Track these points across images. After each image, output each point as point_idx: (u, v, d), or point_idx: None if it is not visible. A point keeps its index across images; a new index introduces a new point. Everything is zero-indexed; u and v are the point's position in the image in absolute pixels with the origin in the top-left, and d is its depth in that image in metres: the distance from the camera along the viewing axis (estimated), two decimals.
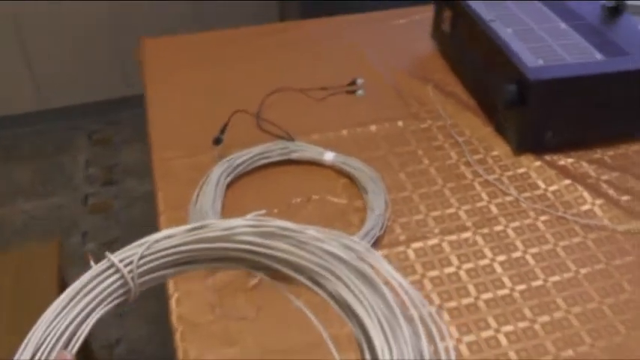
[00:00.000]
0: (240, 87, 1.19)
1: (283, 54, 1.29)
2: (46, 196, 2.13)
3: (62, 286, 1.30)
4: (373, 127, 1.08)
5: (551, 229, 0.88)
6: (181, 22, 2.32)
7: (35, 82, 2.32)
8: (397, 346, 0.45)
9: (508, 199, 0.93)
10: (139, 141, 2.31)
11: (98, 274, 0.47)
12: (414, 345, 0.46)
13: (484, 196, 0.94)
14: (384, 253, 0.85)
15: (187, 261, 0.50)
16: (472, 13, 1.11)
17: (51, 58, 2.30)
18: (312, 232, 0.49)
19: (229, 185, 0.96)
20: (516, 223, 0.89)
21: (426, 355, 0.44)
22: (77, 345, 0.45)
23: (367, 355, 0.45)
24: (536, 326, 0.76)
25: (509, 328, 0.75)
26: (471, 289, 0.80)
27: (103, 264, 0.47)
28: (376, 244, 0.85)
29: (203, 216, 0.88)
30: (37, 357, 0.42)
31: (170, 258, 0.49)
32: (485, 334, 0.75)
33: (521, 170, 0.98)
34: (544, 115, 0.97)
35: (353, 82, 1.19)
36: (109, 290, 0.46)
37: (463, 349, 0.74)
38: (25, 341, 0.43)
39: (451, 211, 0.92)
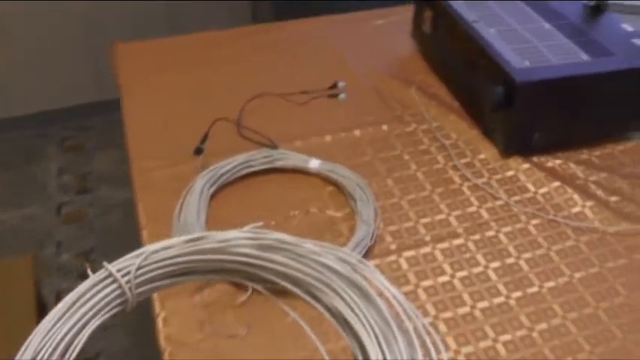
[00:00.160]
0: (218, 92, 1.16)
1: (261, 57, 1.26)
2: (18, 206, 2.07)
3: (39, 301, 1.26)
4: (357, 132, 1.06)
5: (543, 232, 0.87)
6: (153, 24, 2.28)
7: (2, 88, 2.26)
8: (393, 359, 0.45)
9: (498, 203, 0.92)
10: (112, 147, 2.27)
11: (95, 284, 0.47)
12: (409, 358, 0.45)
13: (474, 200, 0.92)
14: (376, 263, 0.83)
15: (184, 272, 0.50)
16: (454, 14, 1.10)
17: (16, 62, 2.24)
18: (309, 245, 0.49)
19: (213, 196, 0.93)
20: (508, 228, 0.88)
21: None
22: (74, 355, 0.45)
23: None
24: (534, 334, 0.74)
25: (507, 337, 0.74)
26: (466, 298, 0.79)
27: (101, 274, 0.47)
28: (367, 254, 0.83)
29: (188, 229, 0.85)
30: None
31: (167, 269, 0.49)
32: (483, 344, 0.73)
33: (510, 173, 0.97)
34: (531, 117, 0.96)
35: (334, 86, 1.16)
36: (107, 300, 0.47)
37: None
38: (22, 350, 0.44)
39: (441, 217, 0.90)
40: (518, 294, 0.79)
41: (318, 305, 0.48)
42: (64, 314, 0.45)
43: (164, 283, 0.49)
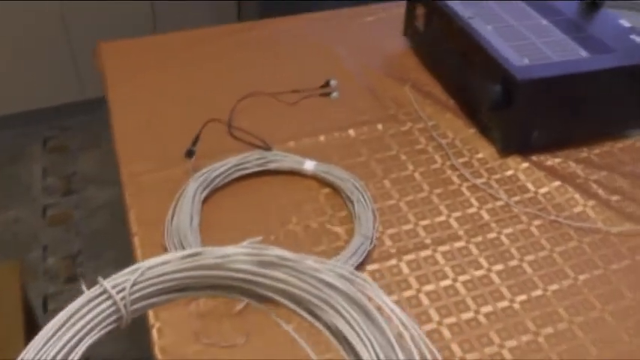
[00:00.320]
0: (206, 91, 1.13)
1: (249, 55, 1.23)
2: (3, 209, 2.03)
3: (26, 309, 1.23)
4: (352, 132, 1.04)
5: (545, 234, 0.85)
6: (137, 22, 2.24)
7: None
8: None
9: (498, 203, 0.90)
10: (96, 147, 2.23)
11: (90, 300, 0.45)
12: None
13: (474, 201, 0.91)
14: (376, 267, 0.81)
15: (181, 288, 0.48)
16: (449, 11, 1.07)
17: None
18: (309, 262, 0.47)
19: (205, 200, 0.91)
20: (509, 230, 0.86)
21: None
22: None
23: None
24: (540, 339, 0.73)
25: (513, 342, 0.72)
26: (470, 302, 0.77)
27: (95, 290, 0.45)
28: (367, 258, 0.81)
29: (181, 236, 0.83)
30: None
31: (163, 285, 0.47)
32: (489, 350, 0.72)
33: (509, 172, 0.95)
34: (531, 115, 0.94)
35: (326, 84, 1.14)
36: (101, 317, 0.45)
37: None
38: None
39: (441, 219, 0.88)
40: (522, 298, 0.77)
41: (317, 323, 0.46)
42: (57, 331, 0.43)
43: (160, 299, 0.47)
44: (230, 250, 0.48)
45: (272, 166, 0.95)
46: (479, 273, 0.80)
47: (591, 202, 0.90)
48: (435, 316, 0.75)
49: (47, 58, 2.23)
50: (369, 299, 0.45)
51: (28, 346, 0.43)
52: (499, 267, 0.81)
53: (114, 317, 0.45)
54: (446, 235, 0.85)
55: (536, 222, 0.87)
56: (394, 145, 1.01)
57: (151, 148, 1.00)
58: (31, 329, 1.23)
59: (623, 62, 0.93)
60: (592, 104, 0.96)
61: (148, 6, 2.25)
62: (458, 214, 0.89)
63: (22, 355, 0.43)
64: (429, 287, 0.78)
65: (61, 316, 0.44)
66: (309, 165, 0.94)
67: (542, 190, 0.92)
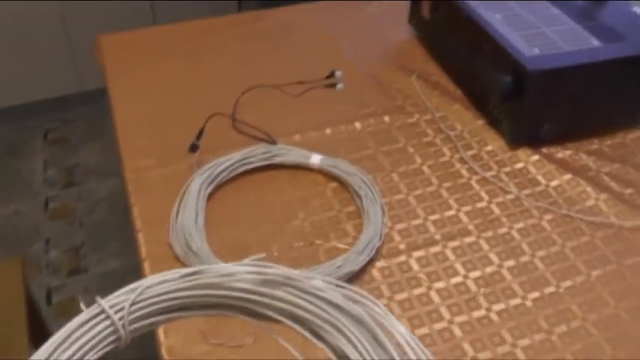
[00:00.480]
0: (209, 83, 1.11)
1: (252, 46, 1.21)
2: (4, 203, 2.01)
3: (29, 303, 1.22)
4: (358, 124, 1.02)
5: (557, 228, 0.84)
6: (135, 13, 2.21)
7: None
8: None
9: (509, 197, 0.88)
10: (96, 138, 2.21)
11: (87, 320, 0.44)
12: None
13: (484, 195, 0.89)
14: (385, 264, 0.79)
15: (181, 308, 0.47)
16: None
17: None
18: (314, 282, 0.46)
19: (210, 195, 0.89)
20: (520, 224, 0.84)
21: None
22: None
23: None
24: (554, 338, 0.71)
25: (525, 341, 0.71)
26: (482, 300, 0.75)
27: (93, 309, 0.44)
28: (376, 254, 0.80)
29: (186, 234, 0.81)
30: None
31: (163, 305, 0.46)
32: (501, 349, 0.70)
33: (519, 165, 0.93)
34: (541, 107, 0.92)
35: (331, 75, 1.12)
36: (99, 337, 0.44)
37: None
38: None
39: (451, 213, 0.86)
40: (535, 295, 0.76)
41: (322, 344, 0.45)
42: (53, 351, 0.42)
43: (159, 319, 0.46)
44: (232, 268, 0.46)
45: (277, 160, 0.94)
46: (490, 269, 0.79)
47: (603, 196, 0.88)
48: (446, 315, 0.74)
49: (47, 50, 2.21)
50: (376, 321, 0.43)
51: None
52: (510, 263, 0.79)
53: (112, 337, 0.44)
54: (456, 230, 0.84)
55: (548, 216, 0.85)
56: (401, 137, 0.99)
57: (154, 143, 0.98)
58: (35, 323, 1.22)
59: (637, 51, 0.91)
60: (604, 94, 0.94)
61: (147, 5, 2.23)
62: (468, 208, 0.87)
63: None
64: (439, 284, 0.77)
65: (58, 336, 0.43)
66: (315, 159, 0.92)
67: (554, 183, 0.90)
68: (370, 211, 0.84)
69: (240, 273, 0.45)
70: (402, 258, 0.80)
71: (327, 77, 1.12)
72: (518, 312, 0.74)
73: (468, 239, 0.82)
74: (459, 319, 0.73)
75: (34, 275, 1.77)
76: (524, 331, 0.72)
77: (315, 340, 0.44)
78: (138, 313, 0.45)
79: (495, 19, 0.99)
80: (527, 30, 0.96)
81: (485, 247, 0.82)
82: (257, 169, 0.93)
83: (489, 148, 0.97)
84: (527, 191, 0.89)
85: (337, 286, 0.45)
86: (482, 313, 0.74)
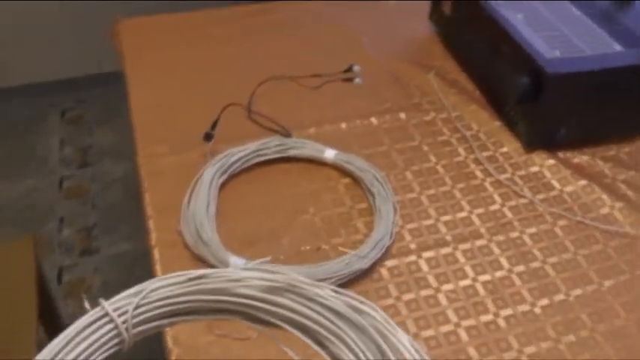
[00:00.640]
0: (226, 72, 1.11)
1: (271, 36, 1.21)
2: (20, 179, 2.03)
3: (39, 281, 1.23)
4: (374, 120, 1.01)
5: (570, 235, 0.83)
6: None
7: (1, 57, 2.20)
8: None
9: (522, 201, 0.88)
10: (113, 120, 2.22)
11: (91, 323, 0.43)
12: None
13: (497, 198, 0.88)
14: (394, 263, 0.79)
15: (185, 312, 0.46)
16: None
17: (17, 32, 2.17)
18: (319, 290, 0.45)
19: (222, 185, 0.89)
20: (533, 229, 0.84)
21: None
22: None
23: None
24: (561, 346, 0.71)
25: (532, 349, 0.70)
26: (490, 304, 0.75)
27: (96, 312, 0.44)
28: (385, 253, 0.79)
29: (197, 223, 0.81)
30: None
31: (167, 308, 0.45)
32: (507, 355, 0.70)
33: (534, 169, 0.93)
34: (559, 110, 0.91)
35: (349, 69, 1.11)
36: (102, 341, 0.43)
37: None
38: None
39: (463, 215, 0.86)
40: (544, 302, 0.75)
41: (324, 353, 0.44)
42: (57, 354, 0.42)
43: (163, 322, 0.46)
44: (237, 273, 0.46)
45: (291, 153, 0.93)
46: (500, 274, 0.78)
47: (619, 204, 0.87)
48: (453, 318, 0.73)
49: (68, 30, 2.21)
50: (379, 331, 0.43)
51: None
52: (521, 268, 0.79)
53: (115, 341, 0.44)
54: (467, 232, 0.83)
55: (561, 222, 0.85)
56: (417, 135, 0.99)
57: (169, 131, 0.98)
58: (44, 301, 1.23)
59: None
60: (623, 100, 0.93)
61: None
62: (480, 210, 0.86)
63: None
64: (447, 286, 0.77)
65: (62, 338, 0.42)
66: (329, 154, 0.92)
67: (568, 189, 0.89)
68: (382, 209, 0.84)
69: (245, 279, 0.45)
70: (412, 258, 0.80)
71: (345, 71, 1.11)
72: (526, 318, 0.73)
73: (479, 242, 0.82)
74: (465, 322, 0.73)
75: (46, 253, 1.78)
76: (531, 338, 0.71)
77: (317, 348, 0.44)
78: (142, 317, 0.44)
79: (517, 19, 0.98)
80: (548, 31, 0.95)
81: (496, 250, 0.81)
82: (270, 161, 0.93)
83: (505, 150, 0.96)
84: (541, 196, 0.88)
85: (342, 294, 0.44)
86: (489, 317, 0.73)
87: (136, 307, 0.44)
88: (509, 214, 0.86)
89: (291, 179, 0.91)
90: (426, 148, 0.96)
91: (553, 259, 0.80)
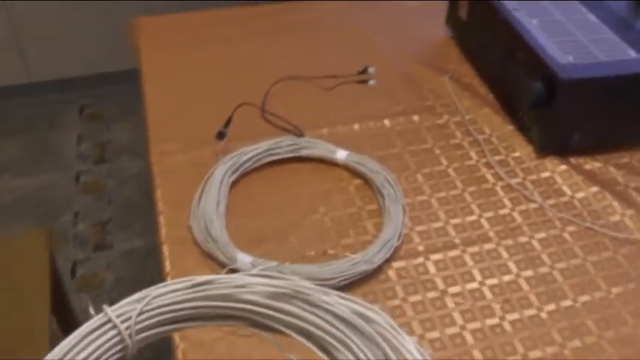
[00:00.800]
0: (241, 72, 1.12)
1: (287, 37, 1.21)
2: (37, 173, 2.05)
3: (53, 275, 1.24)
4: (387, 122, 1.02)
5: (579, 241, 0.83)
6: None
7: (22, 53, 2.23)
8: None
9: (532, 206, 0.87)
10: (131, 117, 2.24)
11: (94, 330, 0.43)
12: None
13: (507, 202, 0.88)
14: (402, 265, 0.79)
15: (189, 318, 0.46)
16: (494, 1, 1.04)
17: (39, 29, 2.20)
18: (326, 297, 0.44)
19: (234, 183, 0.90)
20: (542, 234, 0.83)
21: None
22: None
23: None
24: (567, 352, 0.70)
25: (537, 353, 0.70)
26: (496, 308, 0.75)
27: (100, 318, 0.44)
28: (394, 254, 0.80)
29: (207, 220, 0.82)
30: None
31: (171, 315, 0.45)
32: (512, 359, 0.70)
33: (546, 174, 0.92)
34: (572, 116, 0.91)
35: (364, 71, 1.12)
36: (105, 347, 0.43)
37: None
38: None
39: (472, 218, 0.86)
40: (551, 307, 0.75)
41: None
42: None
43: (167, 329, 0.45)
44: (242, 279, 0.46)
45: (303, 152, 0.94)
46: (507, 278, 0.78)
47: (630, 212, 0.86)
48: (459, 320, 0.73)
49: (88, 28, 2.24)
50: (385, 338, 0.43)
51: None
52: (529, 273, 0.79)
53: (119, 347, 0.44)
54: (476, 236, 0.83)
55: (571, 228, 0.84)
56: (429, 138, 0.99)
57: (182, 128, 0.99)
58: (57, 294, 1.24)
59: None
60: (637, 107, 0.92)
61: None
62: (490, 214, 0.86)
63: None
64: (454, 289, 0.77)
65: (65, 344, 0.42)
66: (341, 154, 0.92)
67: (579, 195, 0.89)
68: (391, 211, 0.84)
69: (250, 285, 0.45)
70: (420, 260, 0.80)
71: (360, 73, 1.12)
72: (532, 323, 0.73)
73: (488, 246, 0.82)
74: (471, 325, 0.73)
75: (61, 247, 1.81)
76: (536, 342, 0.71)
77: (323, 355, 0.43)
78: (145, 323, 0.44)
79: (532, 24, 0.97)
80: (563, 37, 0.95)
81: (505, 254, 0.81)
82: (282, 161, 0.93)
83: (517, 154, 0.96)
84: (551, 201, 0.88)
85: (348, 299, 0.44)
86: (495, 321, 0.73)
87: (140, 314, 0.44)
88: (518, 219, 0.86)
89: (303, 179, 0.92)
90: (438, 151, 0.96)
91: (561, 265, 0.80)
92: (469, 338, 0.72)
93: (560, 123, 0.92)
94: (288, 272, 0.73)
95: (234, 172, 0.90)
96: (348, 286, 0.76)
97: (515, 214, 0.86)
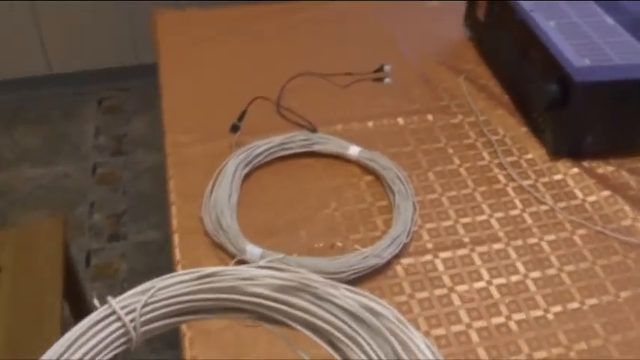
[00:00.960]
0: (258, 67, 1.12)
1: (305, 34, 1.22)
2: (55, 163, 2.08)
3: (67, 264, 1.26)
4: (401, 120, 1.02)
5: (589, 244, 0.82)
6: None
7: (43, 45, 2.25)
8: None
9: (543, 208, 0.87)
10: (148, 111, 2.26)
11: (98, 321, 0.43)
12: None
13: (518, 203, 0.88)
14: (411, 261, 0.80)
15: (194, 310, 0.45)
16: (511, 2, 1.04)
17: (59, 21, 2.23)
18: (334, 290, 0.43)
19: (246, 176, 0.91)
20: (552, 236, 0.83)
21: None
22: None
23: None
24: (572, 354, 0.70)
25: (542, 354, 0.70)
26: (503, 307, 0.75)
27: (104, 310, 0.43)
28: (402, 251, 0.80)
29: (218, 211, 0.83)
30: None
31: (176, 307, 0.44)
32: (516, 359, 0.70)
33: (558, 177, 0.92)
34: (586, 119, 0.91)
35: (380, 69, 1.12)
36: (109, 339, 0.43)
37: None
38: None
39: (482, 218, 0.86)
40: (557, 309, 0.75)
41: (337, 355, 0.43)
42: (64, 352, 0.41)
43: (172, 321, 0.45)
44: (248, 272, 0.45)
45: (316, 148, 0.95)
46: (515, 278, 0.78)
47: None
48: (465, 318, 0.73)
49: (109, 21, 2.26)
50: (394, 333, 0.42)
51: None
52: (536, 274, 0.78)
53: (123, 339, 0.43)
54: (485, 236, 0.83)
55: (581, 231, 0.84)
56: (443, 137, 0.99)
57: (197, 120, 1.00)
58: (71, 282, 1.26)
59: None
60: None
61: None
62: (500, 214, 0.86)
63: None
64: (462, 287, 0.77)
65: (69, 336, 0.42)
66: (353, 150, 0.93)
67: (591, 199, 0.89)
68: (401, 207, 0.84)
69: (257, 277, 0.44)
70: (428, 257, 0.80)
71: (376, 71, 1.12)
72: (538, 324, 0.73)
73: (497, 246, 0.82)
74: (477, 324, 0.73)
75: (76, 236, 1.83)
76: (542, 343, 0.71)
77: (330, 350, 0.43)
78: (150, 315, 0.44)
79: (549, 26, 0.97)
80: (579, 39, 0.94)
81: (513, 255, 0.81)
82: (295, 155, 0.94)
83: (530, 156, 0.95)
84: (562, 204, 0.88)
85: (356, 293, 0.43)
86: (501, 320, 0.73)
87: (144, 306, 0.43)
88: (528, 220, 0.85)
89: (315, 174, 0.92)
90: (450, 150, 0.97)
91: (570, 267, 0.79)
92: (474, 336, 0.72)
93: (573, 125, 0.92)
94: (295, 265, 0.74)
95: (246, 165, 0.91)
96: (356, 281, 0.76)
97: (526, 216, 0.86)
